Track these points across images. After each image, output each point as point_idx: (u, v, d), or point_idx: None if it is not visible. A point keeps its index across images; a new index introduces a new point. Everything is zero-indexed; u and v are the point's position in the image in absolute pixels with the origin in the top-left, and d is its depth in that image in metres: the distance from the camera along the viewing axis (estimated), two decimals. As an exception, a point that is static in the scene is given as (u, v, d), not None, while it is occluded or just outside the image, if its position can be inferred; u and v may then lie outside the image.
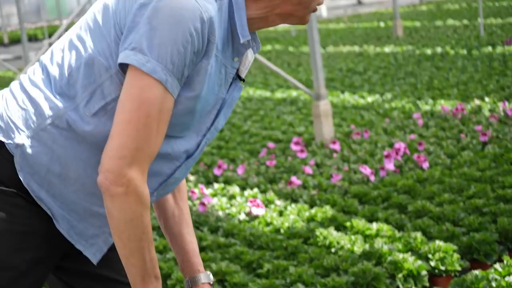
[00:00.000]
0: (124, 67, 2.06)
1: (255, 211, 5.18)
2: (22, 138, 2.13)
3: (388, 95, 9.16)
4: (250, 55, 2.25)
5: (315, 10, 2.25)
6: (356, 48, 14.47)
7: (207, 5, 2.04)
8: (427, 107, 8.16)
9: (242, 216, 5.24)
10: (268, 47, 16.69)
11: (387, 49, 13.67)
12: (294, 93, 10.08)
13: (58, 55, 2.18)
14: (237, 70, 2.26)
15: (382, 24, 18.77)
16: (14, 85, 2.23)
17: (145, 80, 2.01)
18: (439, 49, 12.49)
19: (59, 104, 2.12)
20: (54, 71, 2.16)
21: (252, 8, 2.16)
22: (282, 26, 22.61)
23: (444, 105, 7.92)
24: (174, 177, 2.25)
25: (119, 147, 2.01)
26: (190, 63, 2.05)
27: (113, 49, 2.09)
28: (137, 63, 2.00)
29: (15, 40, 27.85)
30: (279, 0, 2.16)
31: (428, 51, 12.48)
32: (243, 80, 2.30)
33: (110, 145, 2.02)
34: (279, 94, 10.28)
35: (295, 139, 6.87)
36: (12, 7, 32.02)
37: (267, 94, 10.50)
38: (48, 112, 2.13)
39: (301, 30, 20.00)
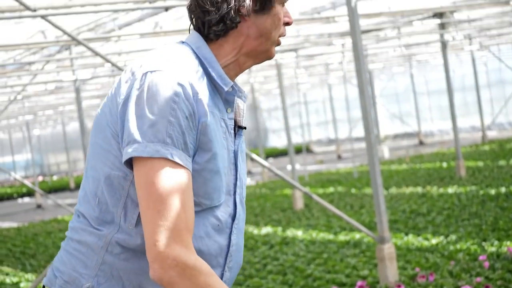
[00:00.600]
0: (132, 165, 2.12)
1: None
2: (88, 280, 2.18)
3: (453, 237, 9.02)
4: (241, 105, 2.32)
5: (278, 43, 2.32)
6: (419, 189, 14.40)
7: (179, 72, 2.12)
8: (493, 249, 8.00)
9: None
10: (331, 189, 16.71)
11: (450, 189, 13.56)
12: (357, 236, 10.01)
13: (82, 192, 2.27)
14: (235, 121, 2.32)
15: (444, 165, 18.70)
16: (64, 241, 2.31)
17: (148, 164, 2.05)
18: (503, 189, 12.34)
19: (104, 232, 2.18)
20: (85, 208, 2.23)
21: (222, 55, 2.25)
22: (345, 168, 22.69)
23: (510, 247, 7.75)
24: (233, 245, 2.27)
25: (151, 236, 2.03)
26: (187, 129, 2.10)
27: (120, 157, 2.16)
28: (136, 153, 2.06)
29: (80, 185, 28.43)
30: (242, 38, 2.24)
31: (492, 191, 12.34)
32: (245, 128, 2.34)
33: (145, 239, 2.06)
34: (342, 237, 10.21)
35: (359, 282, 6.78)
36: (79, 153, 32.91)
37: (330, 236, 10.44)
38: (98, 245, 2.18)
39: (363, 171, 20.03)
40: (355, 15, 7.66)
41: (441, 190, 13.76)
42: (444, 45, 15.62)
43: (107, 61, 7.05)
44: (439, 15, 14.28)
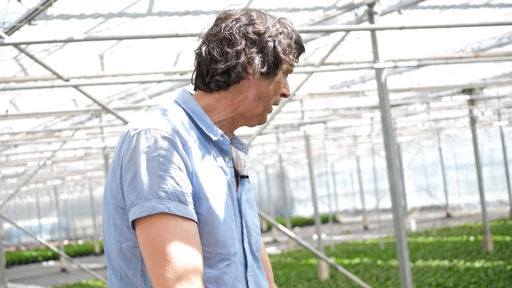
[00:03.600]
0: None
1: None
2: None
3: (480, 314, 8.90)
4: (242, 155, 2.34)
5: (271, 110, 2.34)
6: (446, 263, 14.25)
7: (165, 126, 2.14)
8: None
9: None
10: (356, 260, 16.57)
11: (477, 264, 13.41)
12: (382, 310, 9.89)
13: (108, 271, 2.28)
14: (236, 170, 2.32)
15: (471, 238, 18.52)
16: None
17: (146, 222, 2.07)
18: (531, 266, 12.20)
19: None
20: (112, 285, 2.25)
21: (218, 110, 2.28)
22: (371, 239, 22.53)
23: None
24: None
25: None
26: (181, 179, 2.10)
27: (125, 228, 2.17)
28: (135, 216, 2.07)
29: (107, 250, 28.43)
30: (242, 97, 2.26)
31: (520, 267, 12.19)
32: (247, 177, 2.34)
33: None
34: (367, 310, 10.09)
35: None
36: (105, 217, 32.97)
37: (355, 310, 10.33)
38: None
39: (389, 243, 19.87)
40: (385, 89, 7.73)
41: (468, 264, 13.60)
42: (473, 120, 15.64)
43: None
44: (468, 91, 14.33)
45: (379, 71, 7.80)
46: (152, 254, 2.06)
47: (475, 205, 29.91)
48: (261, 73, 2.25)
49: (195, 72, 2.32)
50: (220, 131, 2.26)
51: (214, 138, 2.25)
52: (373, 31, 7.73)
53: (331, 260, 8.06)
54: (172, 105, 2.28)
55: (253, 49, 2.24)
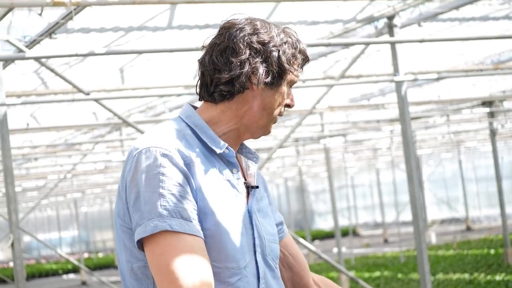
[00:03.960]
0: None
1: None
2: None
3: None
4: (251, 165, 2.32)
5: (275, 121, 2.31)
6: (466, 276, 14.16)
7: (165, 143, 2.13)
8: None
9: None
10: (377, 273, 16.51)
11: (498, 277, 13.32)
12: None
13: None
14: (246, 181, 2.30)
15: (492, 251, 18.40)
16: None
17: (152, 241, 2.06)
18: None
19: None
20: None
21: (223, 122, 2.26)
22: (391, 252, 22.44)
23: None
24: None
25: None
26: (183, 195, 2.08)
27: (134, 248, 2.16)
28: (140, 236, 2.07)
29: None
30: (246, 107, 2.23)
31: (543, 281, 12.09)
32: (257, 187, 2.31)
33: None
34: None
35: None
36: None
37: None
38: None
39: (410, 256, 19.78)
40: (405, 102, 7.72)
41: (489, 277, 13.51)
42: (493, 133, 15.58)
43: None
44: (488, 103, 14.28)
45: (399, 84, 7.79)
46: (158, 272, 2.05)
47: (496, 217, 29.72)
48: (265, 83, 2.23)
49: (199, 81, 2.30)
50: (224, 144, 2.24)
51: (218, 151, 2.23)
52: (393, 44, 7.73)
53: (352, 274, 8.02)
54: (175, 121, 2.28)
55: (257, 59, 2.22)
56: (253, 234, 2.26)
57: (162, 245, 2.05)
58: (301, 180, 25.25)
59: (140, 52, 6.68)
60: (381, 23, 8.06)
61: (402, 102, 7.73)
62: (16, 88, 9.12)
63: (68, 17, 6.45)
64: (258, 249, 2.27)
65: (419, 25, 8.04)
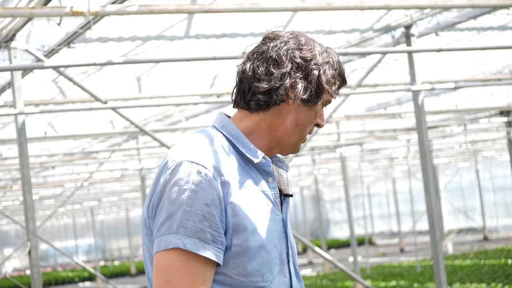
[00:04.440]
0: None
1: None
2: None
3: None
4: (284, 174, 2.30)
5: (305, 140, 2.31)
6: (484, 286, 14.08)
7: (201, 157, 2.11)
8: None
9: None
10: (393, 283, 16.45)
11: (517, 288, 13.24)
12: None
13: None
14: (280, 190, 2.28)
15: (509, 261, 18.30)
16: None
17: (159, 254, 2.06)
18: None
19: None
20: None
21: (257, 134, 2.24)
22: (407, 262, 22.36)
23: None
24: None
25: None
26: (209, 216, 2.06)
27: None
28: (154, 249, 2.08)
29: (142, 271, 28.52)
30: (280, 121, 2.23)
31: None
32: (291, 195, 2.31)
33: None
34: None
35: None
36: (140, 239, 33.09)
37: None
38: None
39: (426, 266, 19.70)
40: (422, 112, 7.70)
41: (506, 287, 13.43)
42: (510, 142, 15.50)
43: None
44: (506, 113, 14.22)
45: (416, 93, 7.77)
46: (156, 283, 2.06)
47: (513, 227, 29.57)
48: (302, 100, 2.22)
49: (235, 88, 2.28)
50: (261, 153, 2.23)
51: (256, 161, 2.21)
52: (410, 53, 7.72)
53: (367, 283, 8.02)
54: (211, 131, 2.26)
55: (298, 74, 2.21)
56: (286, 243, 2.26)
57: (168, 260, 2.05)
58: (317, 189, 25.21)
59: (157, 61, 6.71)
60: (398, 32, 8.06)
61: (419, 111, 7.72)
62: (34, 97, 9.18)
63: (86, 26, 6.48)
64: (291, 259, 2.27)
65: (437, 35, 8.02)
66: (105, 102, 6.95)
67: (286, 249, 2.25)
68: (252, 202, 2.17)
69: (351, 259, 20.14)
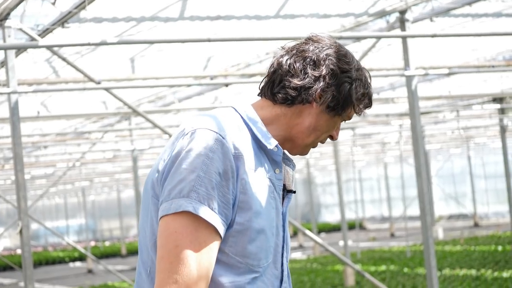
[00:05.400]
0: None
1: None
2: None
3: (508, 325, 8.83)
4: (290, 171, 2.33)
5: (315, 145, 2.34)
6: (473, 272, 14.15)
7: (220, 129, 2.13)
8: None
9: None
10: (383, 267, 16.51)
11: (505, 274, 13.30)
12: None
13: (138, 265, 2.28)
14: (284, 184, 2.31)
15: (499, 248, 18.39)
16: None
17: (170, 216, 2.05)
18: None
19: None
20: (143, 279, 2.24)
21: (276, 125, 2.27)
22: (397, 247, 22.44)
23: None
24: None
25: (158, 285, 2.03)
26: (219, 186, 2.07)
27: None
28: (163, 213, 2.07)
29: (132, 252, 28.57)
30: (299, 120, 2.26)
31: (549, 279, 12.08)
32: (294, 192, 2.34)
33: (154, 286, 2.05)
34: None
35: None
36: (132, 219, 33.14)
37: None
38: None
39: (416, 251, 19.78)
40: (415, 97, 7.71)
41: (496, 274, 13.50)
42: (503, 129, 15.54)
43: (165, 132, 7.17)
44: (499, 100, 14.25)
45: (409, 78, 7.78)
46: (164, 247, 2.05)
47: (504, 214, 29.69)
48: (327, 106, 2.26)
49: (265, 78, 2.31)
50: (275, 141, 2.25)
51: (269, 147, 2.23)
52: (404, 38, 7.72)
53: (358, 267, 8.06)
54: (231, 110, 2.28)
55: (331, 81, 2.24)
56: (283, 236, 2.28)
57: (179, 225, 2.04)
58: (308, 172, 25.24)
59: (151, 42, 6.69)
60: (393, 17, 8.05)
61: (412, 96, 7.73)
62: (28, 76, 9.15)
63: (81, 6, 6.46)
64: (285, 253, 2.29)
65: (431, 20, 8.02)
66: (99, 83, 6.93)
67: (282, 242, 2.27)
68: (260, 185, 2.19)
69: (341, 243, 20.21)
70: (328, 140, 2.42)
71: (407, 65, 7.77)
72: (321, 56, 2.25)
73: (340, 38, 6.76)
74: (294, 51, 2.28)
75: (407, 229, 20.41)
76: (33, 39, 6.39)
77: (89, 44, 5.74)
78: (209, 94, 11.87)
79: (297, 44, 2.31)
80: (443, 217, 33.19)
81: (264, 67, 10.14)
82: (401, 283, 13.63)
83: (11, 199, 21.79)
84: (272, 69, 2.30)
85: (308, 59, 2.25)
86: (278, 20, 7.92)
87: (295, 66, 2.25)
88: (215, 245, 2.08)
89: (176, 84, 9.21)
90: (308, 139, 2.31)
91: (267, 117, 2.29)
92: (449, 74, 10.33)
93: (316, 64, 2.25)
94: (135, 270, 21.32)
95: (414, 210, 24.72)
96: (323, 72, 2.24)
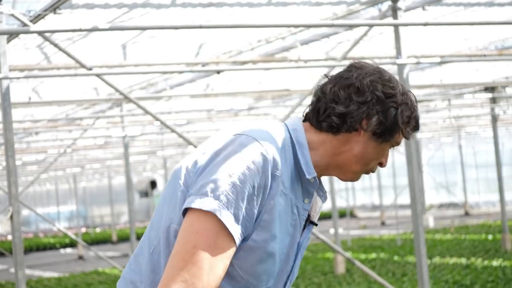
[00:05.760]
0: None
1: None
2: None
3: (497, 313, 8.87)
4: (319, 202, 2.32)
5: (367, 172, 2.31)
6: (463, 260, 14.21)
7: (268, 144, 2.13)
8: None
9: None
10: (373, 255, 16.57)
11: (495, 262, 13.37)
12: (398, 306, 9.88)
13: (142, 240, 2.27)
14: (309, 214, 2.29)
15: (490, 237, 18.46)
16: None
17: (195, 214, 2.04)
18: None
19: (151, 278, 2.18)
20: (140, 260, 2.23)
21: (321, 151, 2.25)
22: (388, 235, 22.50)
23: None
24: None
25: (167, 280, 2.02)
26: (249, 199, 2.07)
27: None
28: (188, 205, 2.06)
29: (123, 238, 28.57)
30: (346, 148, 2.24)
31: (538, 268, 12.13)
32: (316, 224, 2.32)
33: (161, 278, 2.04)
34: (383, 306, 10.09)
35: None
36: (123, 206, 33.16)
37: (371, 305, 10.32)
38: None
39: (406, 239, 19.84)
40: (407, 85, 7.71)
41: (486, 262, 13.56)
42: (494, 118, 15.57)
43: (157, 119, 7.16)
44: (490, 89, 14.27)
45: (401, 67, 7.78)
46: (182, 244, 2.04)
47: (494, 203, 29.80)
48: (373, 133, 2.24)
49: (311, 106, 2.30)
50: (314, 172, 2.24)
51: (307, 177, 2.23)
52: (396, 26, 7.72)
53: (348, 255, 8.09)
54: (282, 128, 2.27)
55: (376, 107, 2.22)
56: (292, 266, 2.28)
57: (203, 226, 2.04)
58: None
59: (143, 29, 6.68)
60: (385, 5, 8.04)
61: (404, 85, 7.73)
62: (19, 62, 9.13)
63: (72, -8, 6.44)
64: (288, 283, 2.29)
65: (424, 9, 8.02)
66: (90, 69, 6.91)
67: (289, 271, 2.27)
68: (285, 210, 2.19)
69: (332, 231, 20.25)
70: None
71: (399, 53, 7.77)
72: (365, 82, 2.23)
73: (332, 25, 6.76)
74: (338, 79, 2.27)
75: (397, 217, 20.48)
76: (25, 24, 6.36)
77: (80, 30, 5.72)
78: (200, 81, 11.86)
79: (340, 72, 2.30)
80: (433, 205, 33.29)
81: (256, 54, 10.14)
82: (391, 271, 13.68)
83: (2, 185, 21.75)
84: (316, 98, 2.29)
85: (352, 86, 2.23)
86: (270, 7, 7.91)
87: (339, 93, 2.23)
88: (230, 254, 2.08)
89: (168, 71, 9.19)
90: (356, 166, 2.28)
91: (313, 141, 2.27)
92: (441, 63, 10.36)
93: (360, 90, 2.23)
94: (125, 257, 21.29)
95: (405, 198, 24.75)
96: (368, 98, 2.22)
